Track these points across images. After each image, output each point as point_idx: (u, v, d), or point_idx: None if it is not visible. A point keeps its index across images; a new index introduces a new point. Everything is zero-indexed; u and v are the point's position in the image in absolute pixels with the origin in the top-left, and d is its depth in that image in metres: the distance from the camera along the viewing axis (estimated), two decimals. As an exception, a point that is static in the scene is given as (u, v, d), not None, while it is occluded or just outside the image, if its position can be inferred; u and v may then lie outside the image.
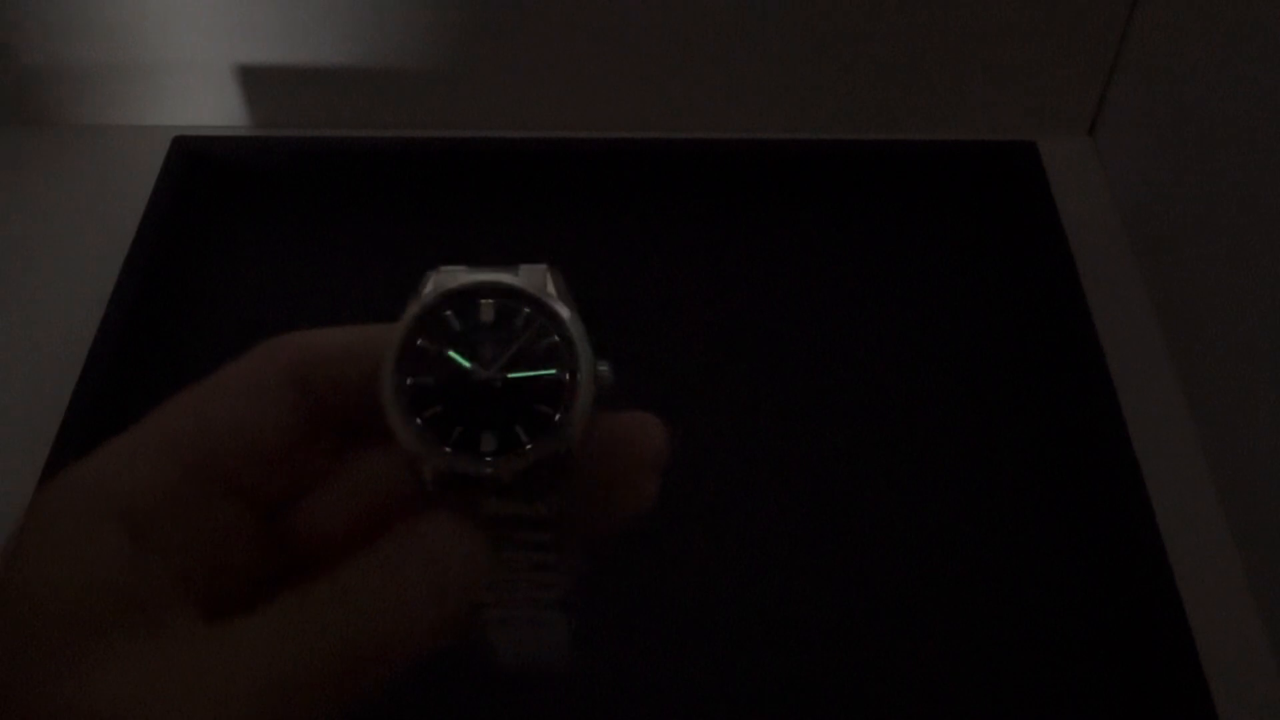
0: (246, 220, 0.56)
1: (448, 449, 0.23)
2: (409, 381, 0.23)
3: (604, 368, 0.24)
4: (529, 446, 0.23)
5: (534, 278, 0.25)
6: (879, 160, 0.57)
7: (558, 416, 0.23)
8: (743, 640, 0.42)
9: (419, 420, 0.23)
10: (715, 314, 0.52)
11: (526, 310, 0.24)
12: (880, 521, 0.45)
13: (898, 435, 0.48)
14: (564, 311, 0.24)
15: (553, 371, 0.24)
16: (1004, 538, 0.45)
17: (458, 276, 0.25)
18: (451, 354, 0.24)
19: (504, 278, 0.24)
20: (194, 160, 0.57)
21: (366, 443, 0.24)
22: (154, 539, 0.21)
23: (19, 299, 0.55)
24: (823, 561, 0.44)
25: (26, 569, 0.20)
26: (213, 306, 0.53)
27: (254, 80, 0.59)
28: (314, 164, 0.57)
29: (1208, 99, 0.49)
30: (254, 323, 0.52)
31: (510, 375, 0.23)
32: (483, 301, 0.24)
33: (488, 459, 0.23)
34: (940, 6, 0.55)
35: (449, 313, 0.24)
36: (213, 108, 0.61)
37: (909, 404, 0.49)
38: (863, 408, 0.49)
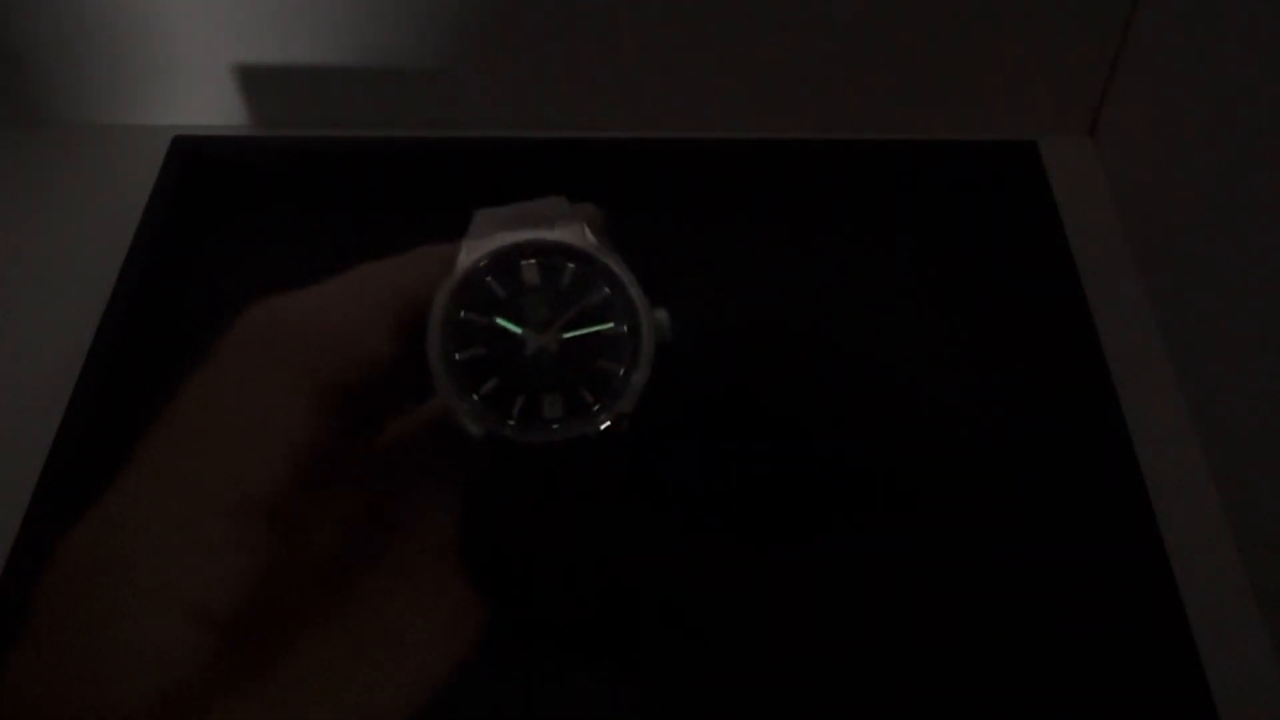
0: (246, 220, 0.56)
1: (510, 421, 0.21)
2: (458, 356, 0.22)
3: (662, 315, 0.23)
4: (596, 407, 0.22)
5: (571, 230, 0.23)
6: (879, 160, 0.57)
7: (623, 371, 0.22)
8: (747, 628, 0.42)
9: (475, 396, 0.22)
10: (713, 314, 0.52)
11: (571, 266, 0.23)
12: (877, 519, 0.45)
13: (896, 434, 0.48)
14: (612, 261, 0.23)
15: (610, 325, 0.22)
16: (1003, 537, 0.45)
17: (493, 238, 0.23)
18: (500, 321, 0.22)
19: (543, 235, 0.23)
20: (194, 160, 0.57)
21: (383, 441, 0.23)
22: (223, 625, 0.19)
23: (19, 299, 0.55)
24: (816, 554, 0.44)
25: (109, 673, 0.19)
26: (212, 306, 0.53)
27: (254, 80, 0.59)
28: (314, 164, 0.57)
29: (1208, 99, 0.49)
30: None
31: (566, 336, 0.22)
32: (524, 263, 0.23)
33: (555, 427, 0.21)
34: (940, 7, 0.55)
35: (489, 279, 0.23)
36: (213, 108, 0.61)
37: (907, 403, 0.49)
38: (860, 406, 0.49)
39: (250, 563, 0.20)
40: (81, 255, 0.55)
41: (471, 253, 0.23)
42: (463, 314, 0.22)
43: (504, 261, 0.23)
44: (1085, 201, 0.57)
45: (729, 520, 0.45)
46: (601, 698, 0.40)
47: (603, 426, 0.21)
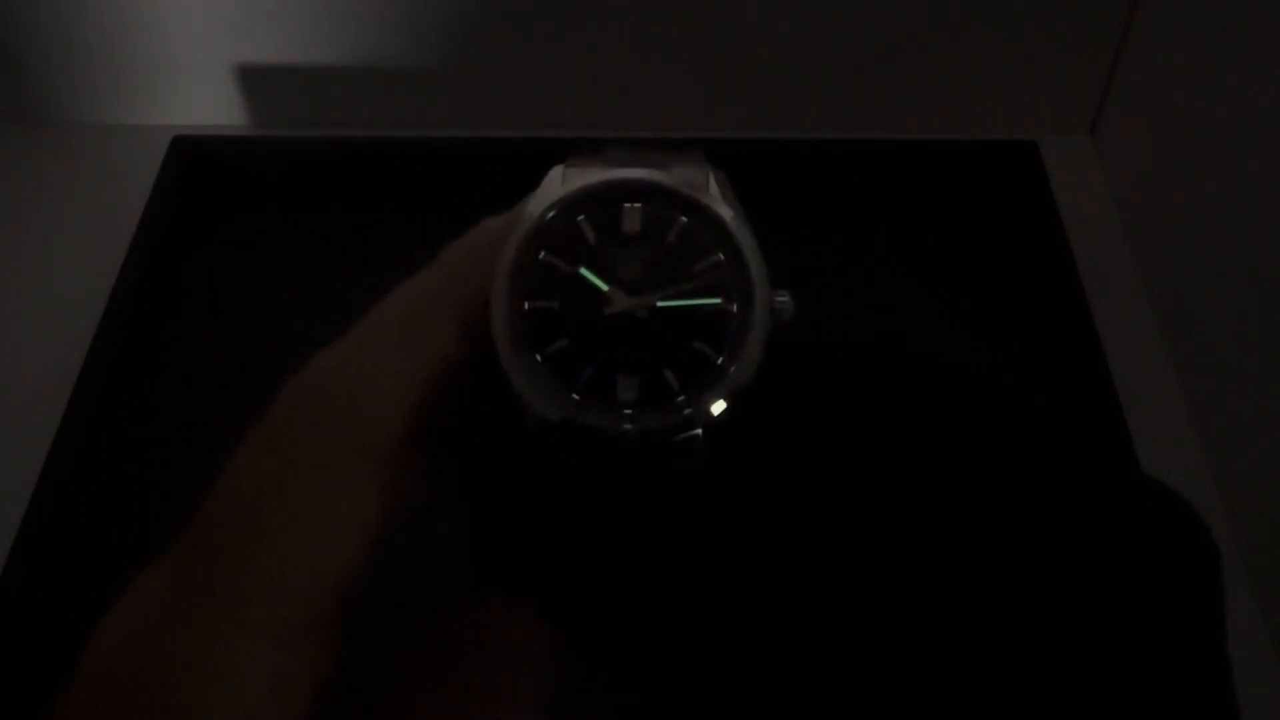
0: (246, 220, 0.56)
1: (575, 395, 0.18)
2: (527, 306, 0.18)
3: (783, 298, 0.20)
4: (681, 398, 0.18)
5: (693, 175, 0.19)
6: (879, 160, 0.57)
7: (721, 359, 0.18)
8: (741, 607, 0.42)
9: (538, 357, 0.18)
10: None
11: (683, 219, 0.19)
12: (877, 521, 0.45)
13: (892, 432, 0.48)
14: (733, 221, 0.19)
15: (717, 300, 0.19)
16: (1000, 536, 0.45)
17: (597, 170, 0.19)
18: (584, 272, 0.18)
19: (655, 175, 0.19)
20: (193, 160, 0.57)
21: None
22: None
23: (19, 299, 0.55)
24: (816, 554, 0.44)
25: None
26: (212, 306, 0.53)
27: (254, 80, 0.59)
28: (314, 164, 0.57)
29: (1208, 99, 0.49)
30: (254, 323, 0.52)
31: (661, 303, 0.18)
32: (626, 206, 0.19)
33: (627, 411, 0.18)
34: (941, 7, 0.55)
35: (582, 218, 0.19)
36: (213, 108, 0.61)
37: (905, 403, 0.49)
38: (858, 406, 0.49)
39: (323, 667, 0.18)
40: (81, 255, 0.55)
41: (569, 181, 0.19)
42: (542, 255, 0.18)
43: (603, 199, 0.19)
44: (1085, 201, 0.57)
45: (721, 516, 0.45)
46: None
47: (683, 417, 0.17)
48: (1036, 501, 0.46)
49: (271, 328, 0.52)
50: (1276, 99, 0.43)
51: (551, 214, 0.19)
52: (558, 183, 0.19)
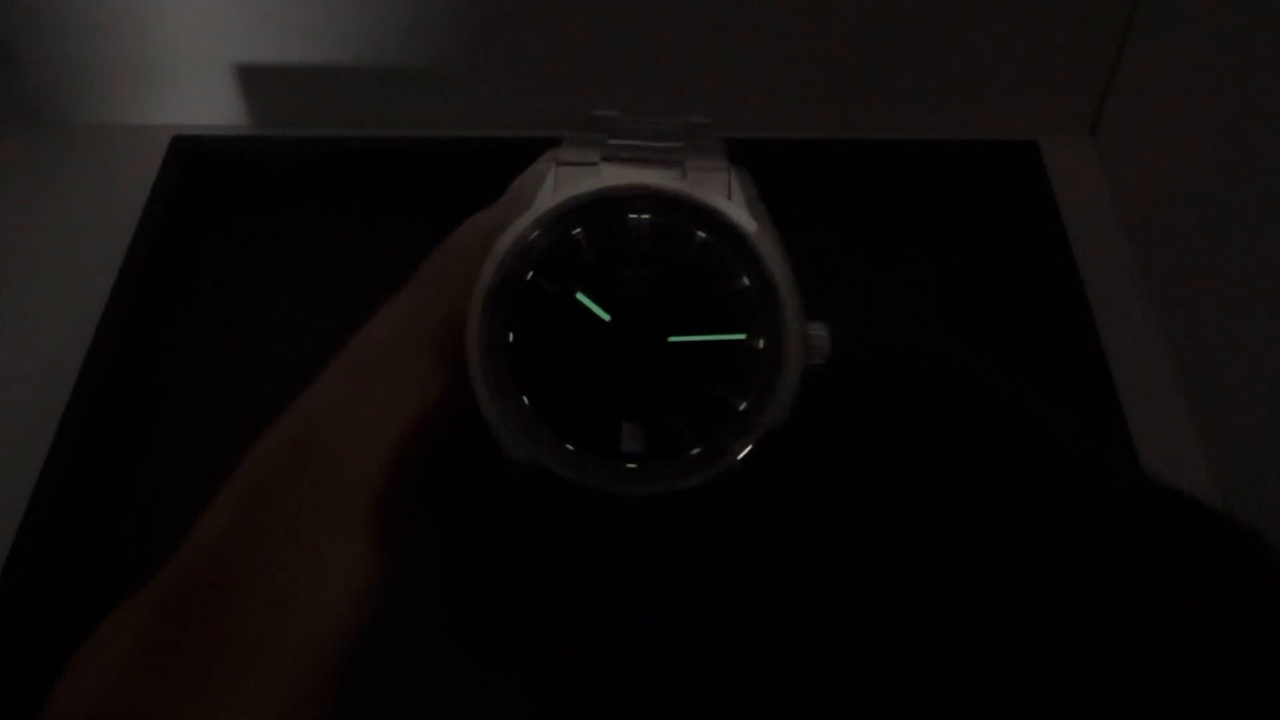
0: (245, 219, 0.56)
1: (570, 446, 0.15)
2: (512, 337, 0.15)
3: (819, 331, 0.16)
4: (696, 452, 0.15)
5: (711, 181, 0.15)
6: (879, 160, 0.57)
7: (744, 406, 0.15)
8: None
9: (526, 399, 0.15)
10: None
11: (701, 235, 0.15)
12: (879, 521, 0.45)
13: (892, 432, 0.48)
14: (759, 237, 0.16)
15: (741, 336, 0.15)
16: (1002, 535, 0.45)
17: (596, 170, 0.15)
18: (581, 298, 0.15)
19: (667, 182, 0.16)
20: (193, 160, 0.57)
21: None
22: None
23: (19, 298, 0.55)
24: (814, 567, 0.44)
25: None
26: (211, 305, 0.53)
27: (254, 80, 0.59)
28: (314, 164, 0.57)
29: (1208, 99, 0.49)
30: (252, 321, 0.52)
31: (674, 338, 0.15)
32: (632, 219, 0.15)
33: (631, 467, 0.15)
34: (942, 7, 0.55)
35: (578, 232, 0.15)
36: (212, 108, 0.61)
37: (904, 403, 0.49)
38: (858, 404, 0.49)
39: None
40: (81, 255, 0.55)
41: (564, 184, 0.15)
42: (530, 276, 0.15)
43: (604, 209, 0.15)
44: (1085, 201, 0.57)
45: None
46: None
47: (701, 478, 0.14)
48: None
49: (271, 325, 0.52)
50: (1276, 99, 0.43)
51: (541, 227, 0.15)
52: (549, 187, 0.16)
